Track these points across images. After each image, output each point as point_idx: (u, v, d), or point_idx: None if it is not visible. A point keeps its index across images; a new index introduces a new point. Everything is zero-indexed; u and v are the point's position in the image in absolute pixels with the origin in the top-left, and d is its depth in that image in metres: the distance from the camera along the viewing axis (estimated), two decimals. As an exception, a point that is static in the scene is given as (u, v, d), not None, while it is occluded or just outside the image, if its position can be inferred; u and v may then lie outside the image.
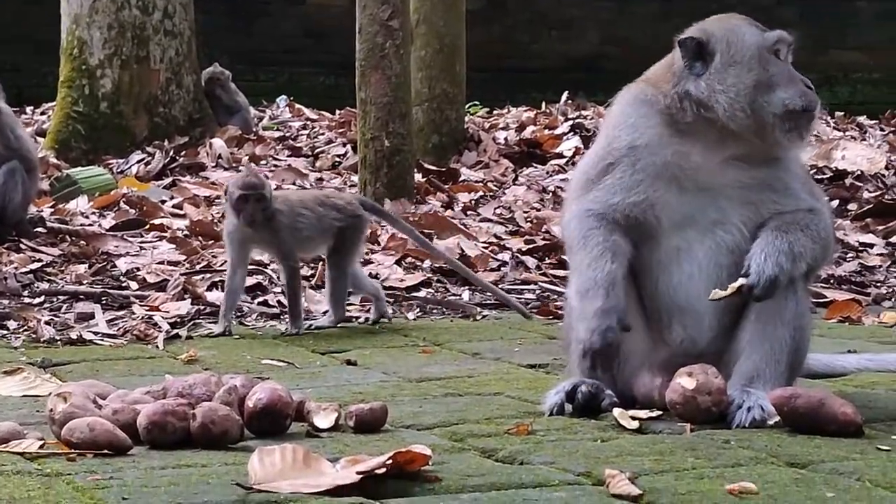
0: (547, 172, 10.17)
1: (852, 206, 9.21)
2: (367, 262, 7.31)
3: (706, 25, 4.21)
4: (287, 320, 6.13)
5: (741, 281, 4.01)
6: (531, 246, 7.77)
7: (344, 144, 10.86)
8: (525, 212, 8.72)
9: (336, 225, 6.11)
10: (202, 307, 6.42)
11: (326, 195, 6.35)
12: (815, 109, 4.12)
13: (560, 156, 10.55)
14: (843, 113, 13.20)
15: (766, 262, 4.00)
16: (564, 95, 13.14)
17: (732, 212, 4.11)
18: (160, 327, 6.04)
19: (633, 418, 3.95)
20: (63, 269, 7.21)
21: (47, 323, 6.09)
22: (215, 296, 6.56)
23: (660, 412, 4.04)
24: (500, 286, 7.00)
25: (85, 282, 6.92)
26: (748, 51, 4.12)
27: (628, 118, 4.19)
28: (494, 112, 12.88)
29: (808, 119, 4.11)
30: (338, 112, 12.62)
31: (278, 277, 6.91)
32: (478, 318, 6.48)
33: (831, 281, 7.33)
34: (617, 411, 4.00)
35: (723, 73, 4.11)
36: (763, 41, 4.14)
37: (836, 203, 9.19)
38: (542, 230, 8.20)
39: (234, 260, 6.05)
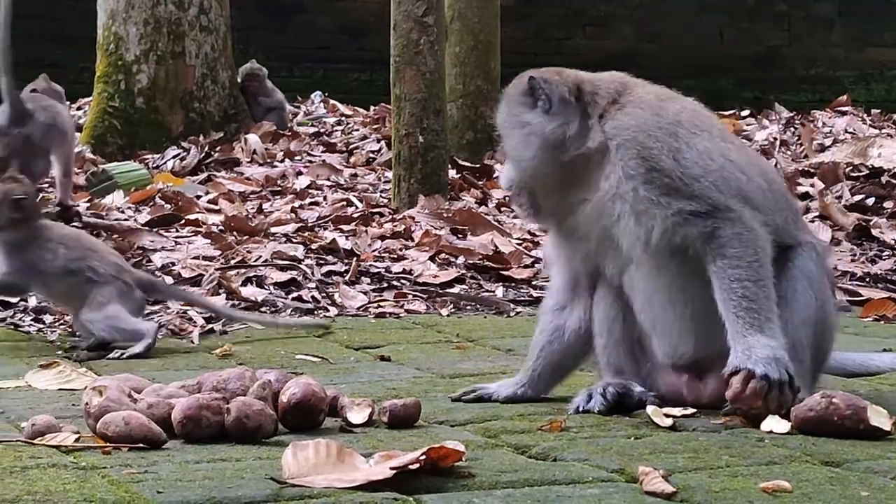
0: (581, 169, 10.14)
1: (888, 204, 9.15)
2: (401, 258, 7.32)
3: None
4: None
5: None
6: (565, 243, 7.75)
7: (378, 140, 10.87)
8: (559, 208, 8.69)
9: None
10: (237, 302, 6.44)
11: None
12: None
13: (594, 152, 10.51)
14: (879, 110, 13.12)
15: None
16: (599, 92, 13.08)
17: (633, 227, 4.01)
18: (195, 322, 6.07)
19: (667, 415, 3.95)
20: (99, 263, 7.24)
21: (83, 317, 6.12)
22: (250, 291, 6.59)
23: (693, 409, 4.03)
24: (534, 283, 7.02)
25: (120, 276, 6.94)
26: None
27: None
28: (529, 108, 12.83)
29: None
30: (372, 108, 12.63)
31: (312, 273, 6.93)
32: (511, 314, 6.48)
33: (867, 279, 7.29)
34: (650, 408, 3.99)
35: None
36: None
37: (871, 201, 9.14)
38: (576, 227, 8.17)
39: None
